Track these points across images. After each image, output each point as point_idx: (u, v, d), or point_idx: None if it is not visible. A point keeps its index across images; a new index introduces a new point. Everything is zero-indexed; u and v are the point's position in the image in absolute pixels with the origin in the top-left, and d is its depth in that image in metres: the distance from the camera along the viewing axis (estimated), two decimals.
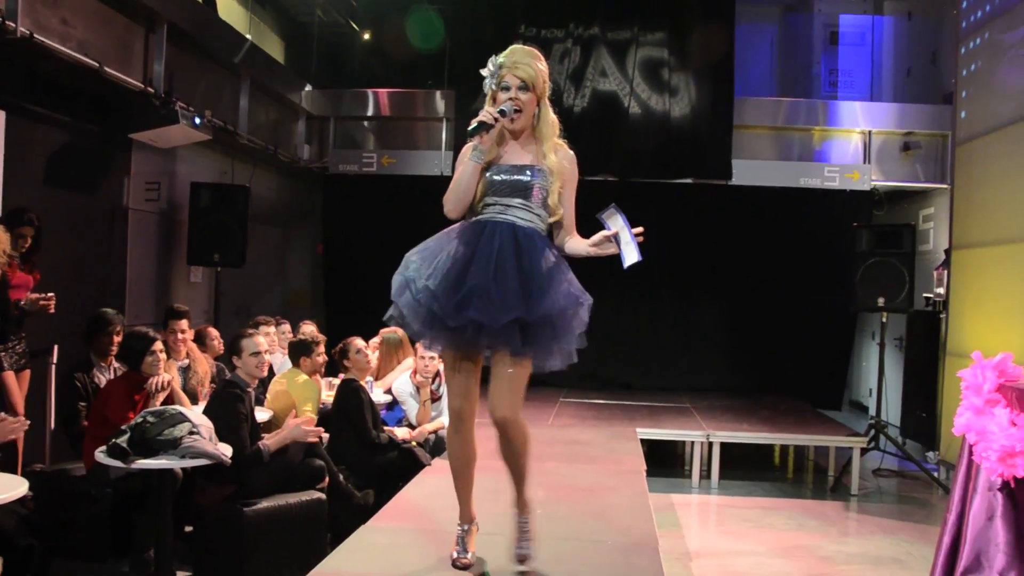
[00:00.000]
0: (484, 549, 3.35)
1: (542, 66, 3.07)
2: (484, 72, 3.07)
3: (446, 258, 3.00)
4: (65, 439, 4.91)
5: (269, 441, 4.44)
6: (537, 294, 2.93)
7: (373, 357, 5.88)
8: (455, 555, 3.21)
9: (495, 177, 3.06)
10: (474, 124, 2.98)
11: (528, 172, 3.07)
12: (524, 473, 3.23)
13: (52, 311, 4.77)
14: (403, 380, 5.78)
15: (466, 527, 3.27)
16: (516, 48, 3.08)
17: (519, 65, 3.00)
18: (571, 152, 3.19)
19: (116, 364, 4.94)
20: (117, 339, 4.89)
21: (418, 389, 5.66)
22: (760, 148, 8.96)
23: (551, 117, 3.13)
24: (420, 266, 3.05)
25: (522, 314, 2.89)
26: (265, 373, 4.92)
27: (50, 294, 4.82)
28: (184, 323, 5.43)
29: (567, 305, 2.98)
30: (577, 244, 3.13)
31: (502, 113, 3.01)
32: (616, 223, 3.02)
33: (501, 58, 3.05)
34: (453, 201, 3.10)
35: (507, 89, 3.02)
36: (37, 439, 5.11)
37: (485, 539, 3.40)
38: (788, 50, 10.72)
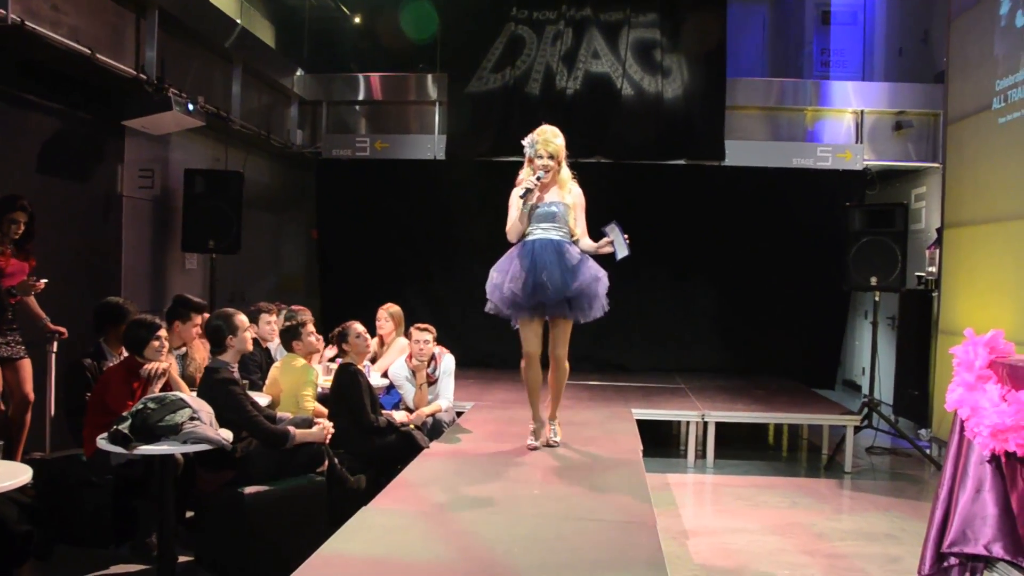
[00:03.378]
0: (486, 525, 3.37)
1: (561, 141, 4.76)
2: (524, 143, 4.75)
3: (516, 268, 4.70)
4: (66, 426, 4.93)
5: (297, 433, 4.47)
6: (572, 278, 4.65)
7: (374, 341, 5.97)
8: (529, 442, 5.07)
9: (536, 213, 4.76)
10: (523, 191, 4.69)
11: (554, 206, 4.78)
12: (560, 394, 5.10)
13: (40, 289, 4.82)
14: (399, 364, 5.81)
15: (537, 424, 5.13)
16: (545, 128, 4.77)
17: (549, 143, 4.71)
18: (579, 188, 4.88)
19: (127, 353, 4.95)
20: None
21: (414, 373, 5.68)
22: (753, 129, 8.98)
23: (567, 171, 4.85)
24: (500, 276, 4.75)
25: (566, 293, 4.64)
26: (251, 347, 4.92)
27: (43, 279, 4.84)
28: (205, 316, 5.44)
29: (591, 281, 4.70)
30: (587, 245, 4.80)
31: (539, 178, 4.69)
32: (613, 232, 4.62)
33: (536, 136, 4.73)
34: (513, 234, 4.82)
35: (541, 157, 4.70)
36: (37, 427, 5.14)
37: (488, 517, 3.41)
38: (780, 30, 10.72)
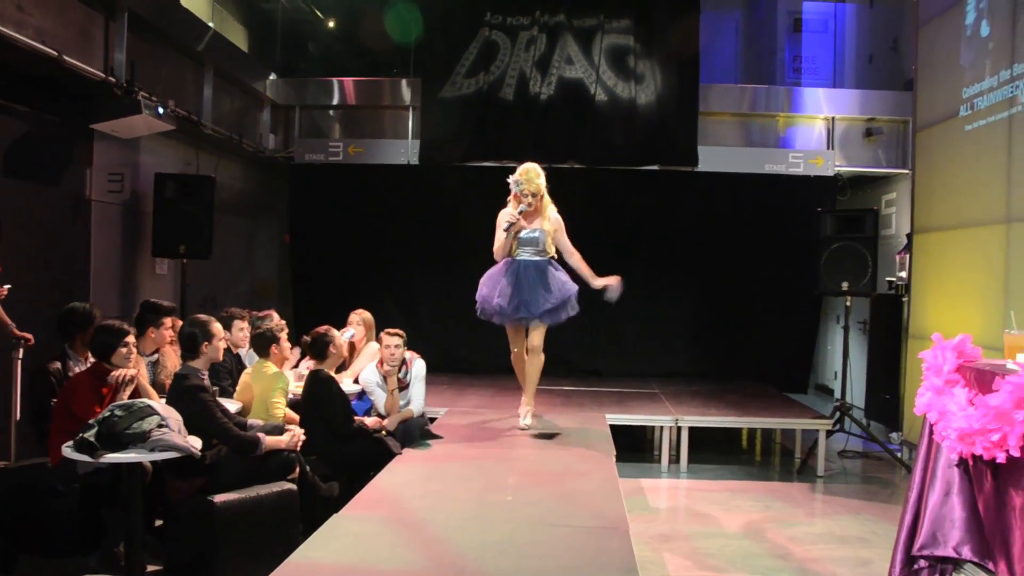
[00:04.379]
0: (458, 531, 3.35)
1: (541, 181, 5.59)
2: (510, 181, 5.59)
3: (504, 284, 5.60)
4: (32, 434, 4.84)
5: (267, 440, 4.42)
6: (550, 296, 5.57)
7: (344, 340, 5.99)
8: (520, 422, 5.88)
9: (520, 237, 5.63)
10: (507, 225, 5.55)
11: (536, 232, 5.65)
12: (535, 380, 5.89)
13: (3, 295, 4.73)
14: (370, 370, 5.76)
15: (526, 408, 5.93)
16: (528, 168, 5.59)
17: (531, 183, 5.53)
18: (556, 215, 5.72)
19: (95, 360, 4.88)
20: None
21: (385, 379, 5.64)
22: (725, 134, 9.05)
23: (547, 200, 5.67)
24: (489, 290, 5.64)
25: (545, 307, 5.54)
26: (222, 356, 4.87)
27: (6, 285, 4.75)
28: (175, 319, 5.41)
29: (565, 296, 5.62)
30: (583, 269, 5.75)
31: (521, 212, 5.55)
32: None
33: (520, 177, 5.54)
34: (499, 255, 5.70)
35: (525, 195, 5.52)
36: (2, 435, 5.05)
37: (460, 523, 3.39)
38: (752, 37, 10.81)
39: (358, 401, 5.84)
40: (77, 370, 4.75)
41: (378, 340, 5.81)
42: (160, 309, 5.41)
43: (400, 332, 5.62)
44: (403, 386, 5.68)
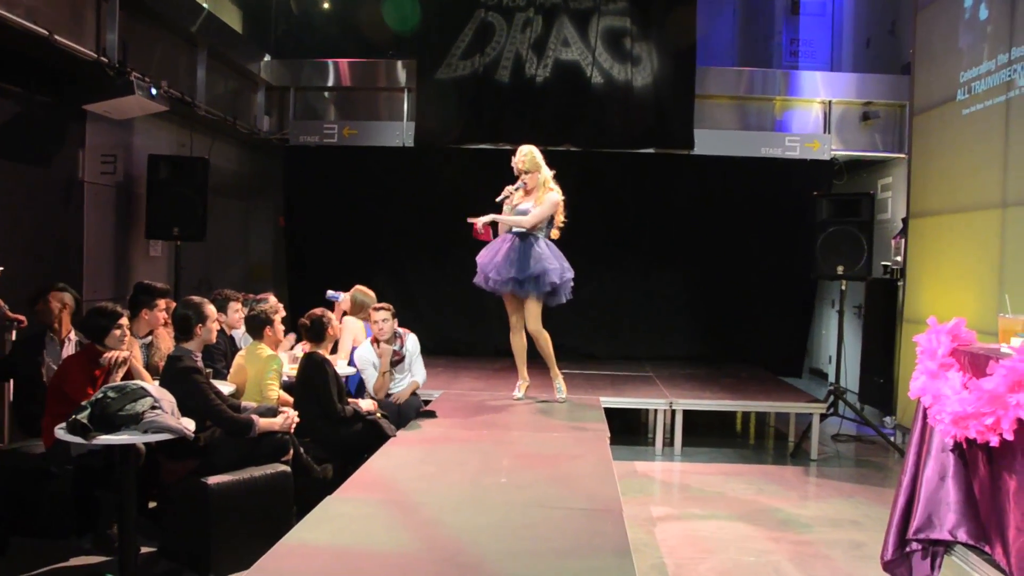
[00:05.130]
0: (452, 513, 3.36)
1: (531, 157, 5.77)
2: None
3: (493, 252, 5.76)
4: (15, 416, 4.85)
5: (261, 422, 4.40)
6: (521, 267, 5.65)
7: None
8: (514, 394, 6.13)
9: (516, 210, 5.76)
10: (501, 198, 5.75)
11: (529, 208, 5.73)
12: (551, 357, 6.02)
13: None
14: (365, 348, 5.76)
15: (521, 382, 6.16)
16: (523, 148, 5.81)
17: (525, 161, 5.76)
18: (552, 195, 5.78)
19: (75, 337, 4.86)
20: (56, 305, 4.83)
21: (380, 356, 5.64)
22: (722, 118, 9.01)
23: (545, 179, 5.80)
24: (483, 259, 5.80)
25: (514, 276, 5.64)
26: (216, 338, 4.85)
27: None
28: (169, 300, 5.41)
29: (535, 272, 5.66)
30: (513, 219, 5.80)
31: (516, 188, 5.76)
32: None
33: (516, 155, 5.79)
34: (502, 228, 5.83)
35: (520, 174, 5.77)
36: None
37: (454, 505, 3.40)
38: (750, 19, 10.75)
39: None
40: (48, 347, 4.77)
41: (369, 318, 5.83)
42: (154, 291, 5.40)
43: (387, 306, 5.68)
44: (398, 359, 5.70)
